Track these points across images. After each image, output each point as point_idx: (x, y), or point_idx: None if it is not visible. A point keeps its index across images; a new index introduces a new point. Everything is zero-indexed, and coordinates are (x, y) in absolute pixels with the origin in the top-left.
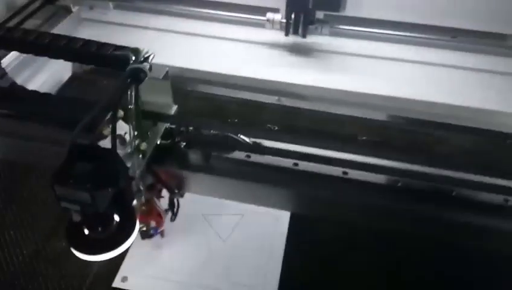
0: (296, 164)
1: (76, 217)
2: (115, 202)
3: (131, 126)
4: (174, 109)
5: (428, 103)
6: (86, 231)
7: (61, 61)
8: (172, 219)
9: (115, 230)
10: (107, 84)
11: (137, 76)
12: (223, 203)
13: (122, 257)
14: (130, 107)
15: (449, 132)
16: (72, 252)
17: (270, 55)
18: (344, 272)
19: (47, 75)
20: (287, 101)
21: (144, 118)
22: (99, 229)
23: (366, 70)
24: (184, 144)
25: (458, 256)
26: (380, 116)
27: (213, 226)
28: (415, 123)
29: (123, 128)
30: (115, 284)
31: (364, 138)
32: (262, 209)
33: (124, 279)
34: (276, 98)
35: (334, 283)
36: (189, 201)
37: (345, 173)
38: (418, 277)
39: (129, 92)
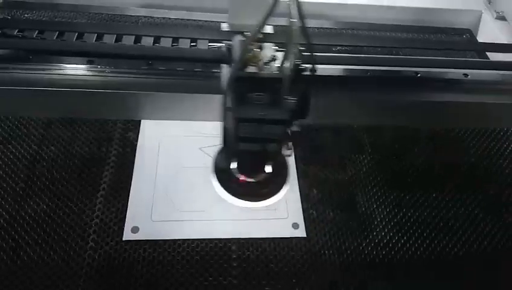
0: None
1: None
2: None
3: (290, 47)
4: None
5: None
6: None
7: None
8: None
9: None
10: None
11: None
12: (215, 134)
13: (124, 205)
14: (293, 20)
15: None
16: (57, 213)
17: None
18: (357, 173)
19: None
20: None
21: None
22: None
23: None
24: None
25: None
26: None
27: None
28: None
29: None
30: (125, 237)
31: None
32: None
33: (135, 229)
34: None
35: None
36: (182, 137)
37: None
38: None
39: None
